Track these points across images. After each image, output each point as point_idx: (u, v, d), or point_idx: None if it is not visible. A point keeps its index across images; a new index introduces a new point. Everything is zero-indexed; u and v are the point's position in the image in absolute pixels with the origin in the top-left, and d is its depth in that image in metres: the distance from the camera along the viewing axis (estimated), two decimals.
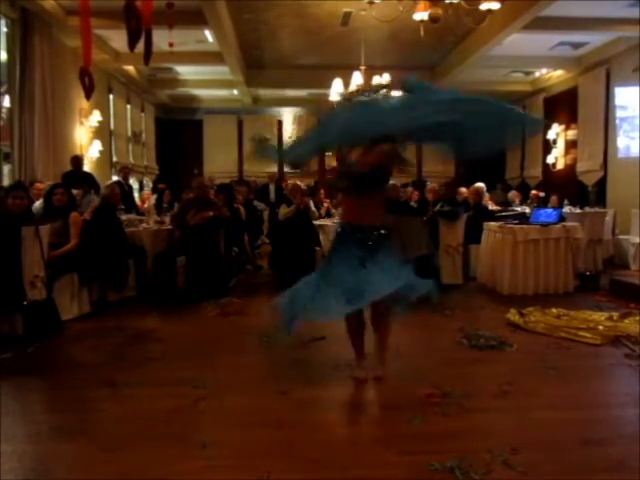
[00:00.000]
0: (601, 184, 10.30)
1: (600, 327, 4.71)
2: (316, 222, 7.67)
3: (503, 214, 8.09)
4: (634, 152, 9.06)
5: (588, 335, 4.56)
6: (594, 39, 9.62)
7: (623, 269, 7.91)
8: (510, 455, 2.58)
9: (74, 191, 6.50)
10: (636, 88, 8.82)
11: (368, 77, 9.06)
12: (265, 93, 13.97)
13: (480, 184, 9.48)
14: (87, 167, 9.56)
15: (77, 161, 8.35)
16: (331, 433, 2.97)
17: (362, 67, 9.02)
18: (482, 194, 8.54)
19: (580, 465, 2.54)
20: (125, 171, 10.08)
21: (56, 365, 4.15)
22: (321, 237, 7.48)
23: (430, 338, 4.80)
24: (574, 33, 9.11)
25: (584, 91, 10.87)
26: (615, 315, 5.10)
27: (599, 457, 2.61)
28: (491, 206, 9.38)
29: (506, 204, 10.35)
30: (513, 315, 5.20)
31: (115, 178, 10.10)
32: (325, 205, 9.04)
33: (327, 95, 9.70)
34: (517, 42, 9.09)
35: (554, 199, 9.54)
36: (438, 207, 7.43)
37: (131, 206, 8.76)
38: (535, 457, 2.59)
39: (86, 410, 3.29)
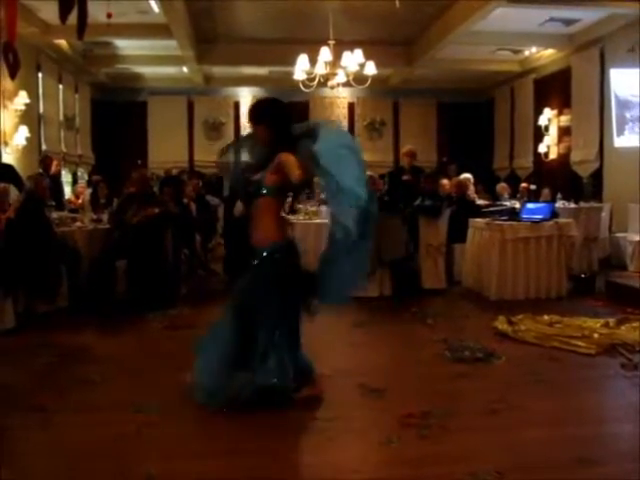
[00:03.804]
0: (597, 176, 10.54)
1: (595, 335, 4.84)
2: None
3: (491, 209, 8.21)
4: (632, 141, 9.29)
5: (582, 344, 4.67)
6: (587, 15, 9.83)
7: (620, 270, 8.12)
8: (496, 479, 2.63)
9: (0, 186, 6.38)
10: (633, 70, 9.03)
11: (337, 53, 9.11)
12: (219, 71, 13.88)
13: (466, 175, 9.64)
14: (12, 157, 9.36)
15: None
16: (296, 460, 2.98)
17: (330, 42, 9.05)
18: (466, 186, 8.65)
19: None
20: (47, 161, 9.82)
21: None
22: None
23: (409, 351, 4.86)
24: (565, 8, 9.30)
25: (577, 72, 11.11)
26: (611, 321, 5.25)
27: (592, 477, 2.68)
28: (478, 200, 9.51)
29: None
30: (501, 323, 5.30)
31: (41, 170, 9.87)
32: (288, 200, 9.02)
33: (291, 73, 9.71)
34: (503, 17, 9.23)
35: (546, 193, 9.72)
36: (418, 202, 7.49)
37: (60, 202, 8.62)
38: None
39: (9, 440, 3.23)
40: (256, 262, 3.61)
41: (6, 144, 9.31)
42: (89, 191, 10.72)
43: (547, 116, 12.07)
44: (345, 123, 15.09)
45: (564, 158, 11.64)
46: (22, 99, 9.66)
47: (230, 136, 14.52)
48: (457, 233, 7.41)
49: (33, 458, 3.01)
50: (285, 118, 3.71)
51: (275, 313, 3.55)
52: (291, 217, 7.85)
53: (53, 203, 7.87)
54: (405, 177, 8.01)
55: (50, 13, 8.69)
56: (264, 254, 3.57)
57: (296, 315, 3.66)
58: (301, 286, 3.66)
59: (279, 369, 3.50)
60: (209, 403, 3.53)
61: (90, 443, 3.11)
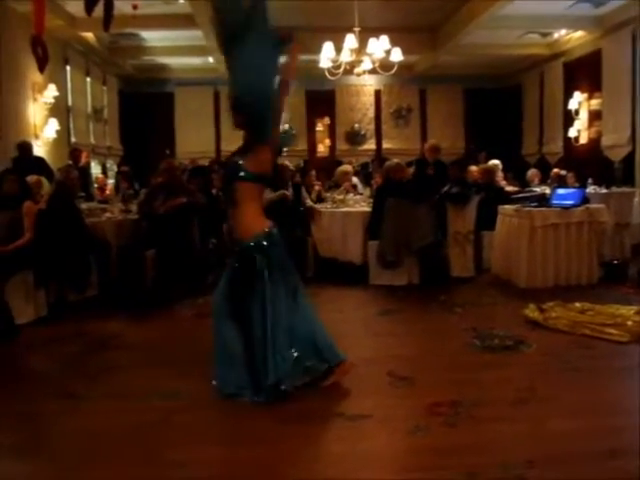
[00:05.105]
0: (629, 160, 10.32)
1: (628, 322, 4.74)
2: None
3: (520, 196, 8.09)
4: None
5: (615, 332, 4.58)
6: None
7: None
8: (525, 470, 2.59)
9: (34, 178, 6.48)
10: None
11: (363, 40, 9.02)
12: None
13: (494, 162, 9.50)
14: (42, 149, 9.48)
15: (24, 148, 8.22)
16: (321, 449, 2.97)
17: (356, 29, 8.97)
18: (494, 173, 8.54)
19: (605, 478, 2.57)
20: (77, 153, 9.92)
21: (9, 375, 4.15)
22: (312, 226, 7.47)
23: (437, 339, 4.81)
24: None
25: (608, 55, 10.87)
26: None
27: (624, 470, 2.62)
28: (507, 186, 9.38)
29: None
30: (532, 311, 5.22)
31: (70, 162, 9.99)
32: (317, 188, 9.00)
33: (316, 61, 9.65)
34: None
35: (571, 177, 9.54)
36: (446, 189, 7.41)
37: (89, 194, 8.73)
38: (554, 471, 2.61)
39: (43, 426, 3.29)
40: (239, 256, 3.60)
41: (37, 137, 9.44)
42: (111, 182, 10.83)
43: (577, 100, 11.84)
44: (371, 111, 15.03)
45: (595, 143, 11.42)
46: (51, 92, 9.77)
47: None
48: (485, 220, 7.31)
49: (63, 443, 3.05)
50: None
51: (264, 307, 3.48)
52: (318, 206, 7.83)
53: (83, 194, 7.97)
54: (429, 171, 7.99)
55: (76, 6, 8.73)
56: (247, 247, 3.54)
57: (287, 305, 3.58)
58: (288, 275, 3.62)
59: (280, 365, 3.45)
60: (235, 396, 3.52)
61: (119, 429, 3.15)
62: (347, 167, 9.49)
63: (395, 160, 7.63)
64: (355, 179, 9.33)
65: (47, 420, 3.37)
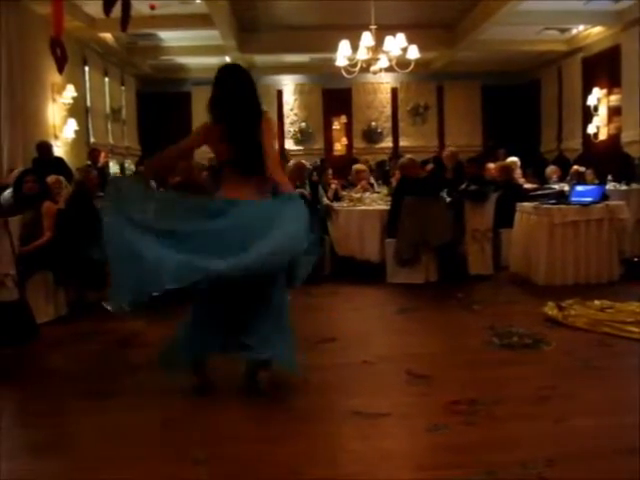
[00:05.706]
0: None
1: None
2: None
3: (539, 193, 8.04)
4: None
5: (635, 330, 4.53)
6: None
7: None
8: (545, 468, 2.58)
9: (53, 178, 6.55)
10: None
11: (379, 38, 9.01)
12: (261, 59, 13.93)
13: (512, 159, 9.45)
14: (61, 150, 9.58)
15: (43, 148, 8.31)
16: (339, 447, 2.98)
17: (372, 27, 8.96)
18: (512, 170, 8.50)
19: (625, 476, 2.55)
20: (95, 153, 10.02)
21: (30, 374, 4.19)
22: (329, 225, 7.47)
23: (455, 337, 4.80)
24: None
25: (627, 50, 10.76)
26: None
27: None
28: (526, 183, 9.33)
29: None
30: (551, 309, 5.18)
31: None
32: (333, 187, 9.01)
33: (333, 60, 9.66)
34: None
35: (590, 174, 9.46)
36: (463, 186, 7.39)
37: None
38: (574, 469, 2.60)
39: (65, 424, 3.33)
40: None
41: (56, 137, 9.54)
42: None
43: (596, 96, 11.75)
44: (388, 108, 15.01)
45: (614, 139, 11.32)
46: (70, 92, 9.88)
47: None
48: (504, 218, 7.27)
49: (85, 441, 3.09)
50: (216, 83, 3.68)
51: None
52: (335, 204, 7.84)
53: (101, 194, 8.02)
54: (447, 174, 8.01)
55: (94, 7, 8.83)
56: None
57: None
58: None
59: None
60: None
61: (140, 427, 3.17)
62: (361, 165, 9.49)
63: (407, 156, 7.62)
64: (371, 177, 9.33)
65: (69, 419, 3.41)
